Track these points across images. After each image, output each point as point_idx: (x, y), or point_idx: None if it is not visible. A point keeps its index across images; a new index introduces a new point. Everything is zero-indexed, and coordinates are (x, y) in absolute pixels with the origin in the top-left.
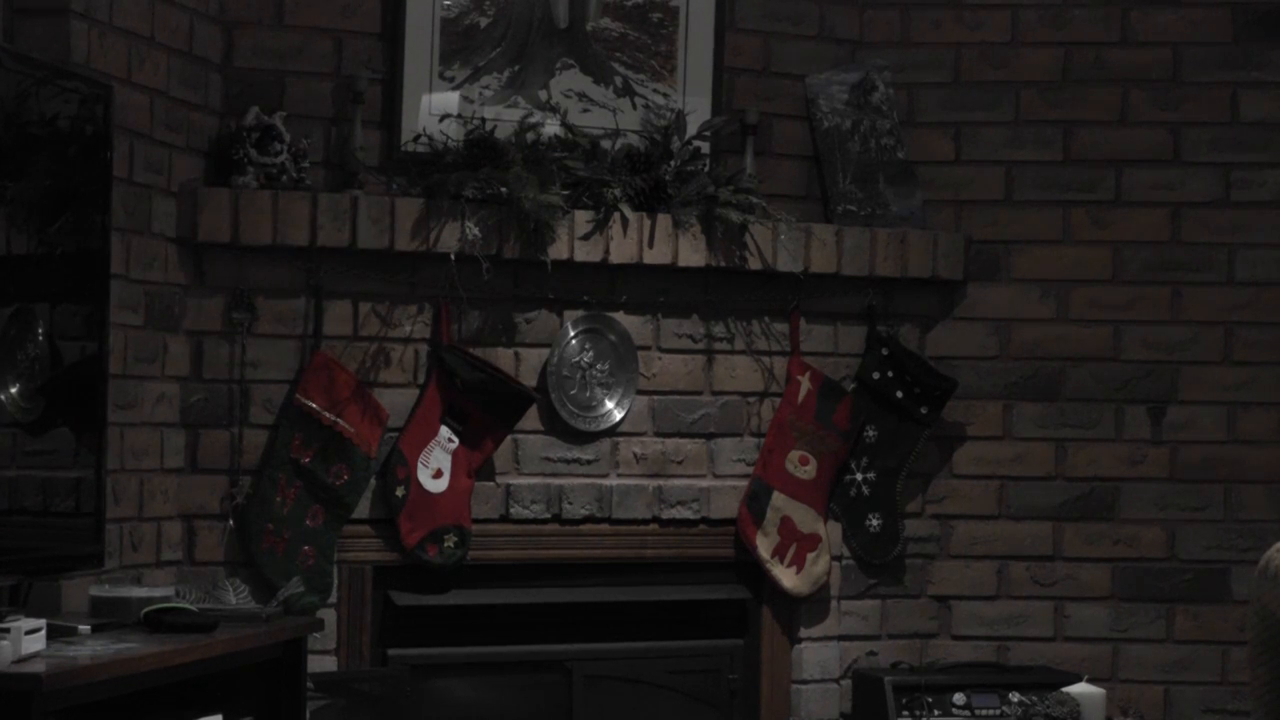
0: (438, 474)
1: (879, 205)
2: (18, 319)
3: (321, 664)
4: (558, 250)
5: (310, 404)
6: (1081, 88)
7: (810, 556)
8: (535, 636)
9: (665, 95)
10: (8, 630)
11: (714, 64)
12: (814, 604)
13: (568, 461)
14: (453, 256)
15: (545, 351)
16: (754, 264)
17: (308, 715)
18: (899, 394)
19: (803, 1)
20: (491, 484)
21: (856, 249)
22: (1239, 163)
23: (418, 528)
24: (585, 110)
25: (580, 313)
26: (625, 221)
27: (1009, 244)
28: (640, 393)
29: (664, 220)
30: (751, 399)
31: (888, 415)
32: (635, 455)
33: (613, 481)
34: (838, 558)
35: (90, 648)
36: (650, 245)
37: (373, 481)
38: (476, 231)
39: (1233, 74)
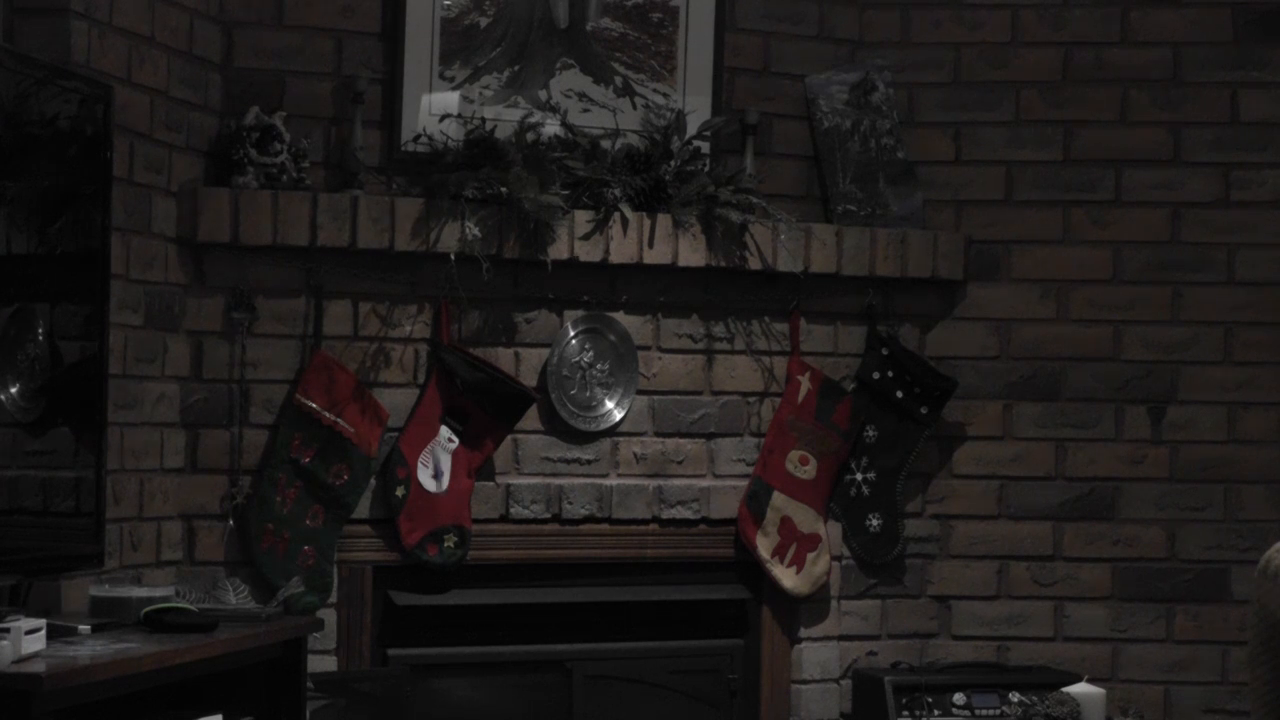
0: (438, 474)
1: (879, 205)
2: (18, 319)
3: (321, 664)
4: (558, 250)
5: (310, 404)
6: (1081, 88)
7: (810, 556)
8: (535, 636)
9: (665, 95)
10: (8, 630)
11: (714, 64)
12: (814, 604)
13: (568, 461)
14: (453, 256)
15: (545, 351)
16: (754, 264)
17: (308, 715)
18: (899, 394)
19: (803, 1)
20: (491, 484)
21: (856, 249)
22: (1239, 163)
23: (418, 528)
24: (585, 110)
25: (580, 313)
26: (625, 221)
27: (1009, 244)
28: (640, 393)
29: (664, 220)
30: (751, 399)
31: (888, 415)
32: (635, 455)
33: (613, 481)
34: (838, 558)
35: (90, 648)
36: (650, 245)
37: (373, 481)
38: (476, 231)
39: (1233, 74)
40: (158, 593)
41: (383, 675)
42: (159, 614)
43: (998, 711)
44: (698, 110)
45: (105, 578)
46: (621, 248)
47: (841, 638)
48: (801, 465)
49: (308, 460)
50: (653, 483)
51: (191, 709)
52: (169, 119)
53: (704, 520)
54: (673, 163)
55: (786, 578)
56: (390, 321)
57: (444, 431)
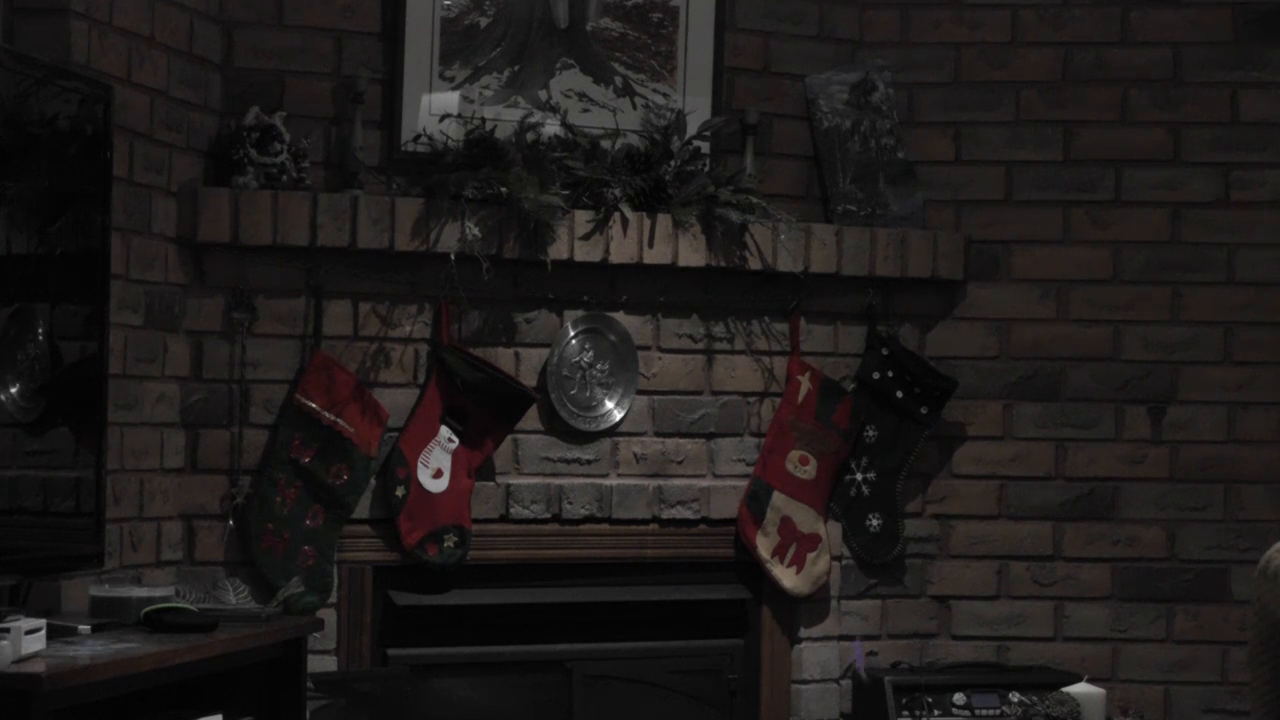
0: (438, 474)
1: (879, 205)
2: (18, 319)
3: (321, 664)
4: (558, 250)
5: (310, 404)
6: (1081, 88)
7: (810, 556)
8: (535, 636)
9: (665, 95)
10: (8, 630)
11: (714, 64)
12: (814, 604)
13: (568, 461)
14: (453, 256)
15: (545, 351)
16: (754, 264)
17: (308, 715)
18: (899, 394)
19: (803, 1)
20: (491, 484)
21: (856, 249)
22: (1239, 163)
23: (418, 528)
24: (585, 110)
25: (580, 313)
26: (625, 221)
27: (1009, 244)
28: (640, 393)
29: (664, 220)
30: (751, 399)
31: (888, 415)
32: (635, 455)
33: (613, 481)
34: (838, 558)
35: (90, 648)
36: (650, 245)
37: (373, 481)
38: (476, 231)
39: (1233, 74)
40: (158, 593)
41: (383, 675)
42: (159, 614)
43: (998, 711)
44: (698, 110)
45: (105, 578)
46: (621, 248)
47: (841, 638)
48: (801, 465)
49: (308, 460)
50: (653, 483)
51: (191, 709)
52: (169, 119)
53: (704, 520)
54: (673, 163)
55: (786, 578)
56: (390, 321)
57: (444, 431)
